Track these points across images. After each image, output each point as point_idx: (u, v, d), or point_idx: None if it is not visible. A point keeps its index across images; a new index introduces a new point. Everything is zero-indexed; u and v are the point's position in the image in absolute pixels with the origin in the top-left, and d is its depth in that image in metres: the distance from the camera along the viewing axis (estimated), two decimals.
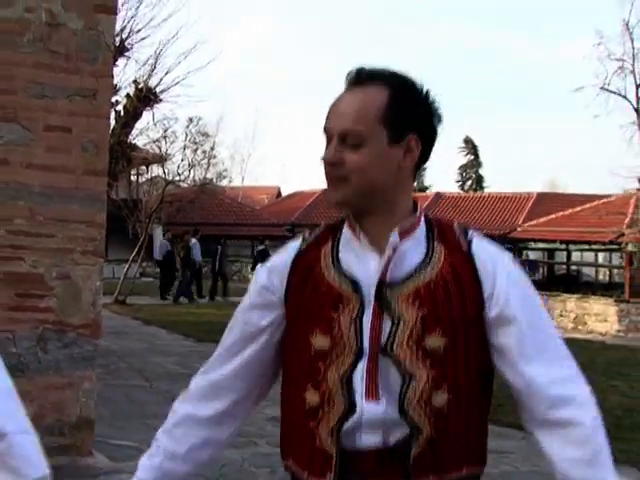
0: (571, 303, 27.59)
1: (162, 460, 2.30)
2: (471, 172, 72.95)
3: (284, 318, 2.23)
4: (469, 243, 2.16)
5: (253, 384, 2.31)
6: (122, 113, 26.06)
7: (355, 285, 2.12)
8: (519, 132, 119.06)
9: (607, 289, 36.36)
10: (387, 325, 2.08)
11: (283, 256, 2.27)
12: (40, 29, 6.98)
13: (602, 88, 30.47)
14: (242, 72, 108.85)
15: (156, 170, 34.62)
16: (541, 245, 42.40)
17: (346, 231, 2.20)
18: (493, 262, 2.14)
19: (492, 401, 2.23)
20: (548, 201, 43.01)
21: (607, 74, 30.47)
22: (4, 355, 6.92)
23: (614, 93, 30.48)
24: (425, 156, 2.17)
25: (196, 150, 32.15)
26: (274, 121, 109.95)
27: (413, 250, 2.13)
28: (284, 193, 59.90)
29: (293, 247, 2.28)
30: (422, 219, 2.19)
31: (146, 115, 27.30)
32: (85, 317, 7.07)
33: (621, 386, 13.26)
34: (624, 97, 30.41)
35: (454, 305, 2.09)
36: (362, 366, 2.07)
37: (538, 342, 2.12)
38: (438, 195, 47.12)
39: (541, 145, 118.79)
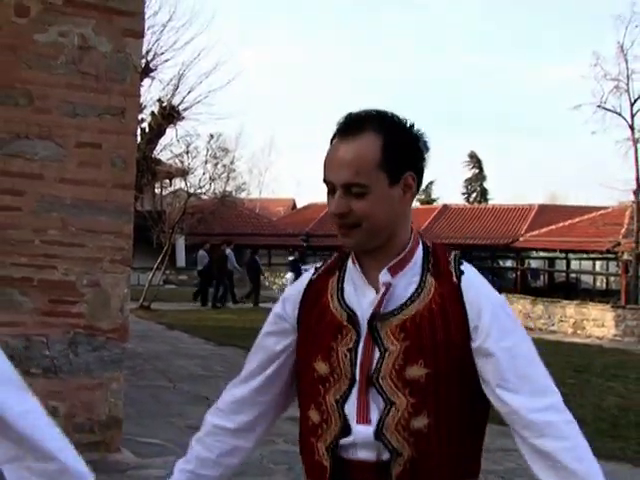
0: (570, 309, 27.52)
1: (195, 465, 2.37)
2: (476, 185, 72.75)
3: (297, 343, 2.29)
4: (460, 276, 2.16)
5: (273, 400, 2.38)
6: (147, 130, 26.14)
7: (353, 317, 2.16)
8: (521, 147, 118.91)
9: (604, 295, 36.33)
10: (376, 356, 2.12)
11: (297, 286, 2.33)
12: (72, 52, 7.04)
13: (599, 106, 30.41)
14: (259, 89, 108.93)
15: (179, 183, 34.57)
16: (542, 254, 42.41)
17: (350, 264, 2.23)
18: (480, 296, 2.14)
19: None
20: (549, 212, 42.91)
21: (603, 93, 30.42)
22: (39, 357, 6.99)
23: (610, 111, 30.41)
24: (419, 185, 2.20)
25: (216, 164, 32.11)
26: (289, 136, 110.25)
27: (405, 283, 2.16)
28: (299, 205, 59.94)
29: (306, 277, 2.33)
30: (419, 249, 2.21)
31: (169, 132, 27.37)
32: (113, 322, 7.11)
33: (617, 387, 13.22)
34: (619, 114, 30.34)
35: (438, 336, 2.10)
36: (355, 393, 2.13)
37: (520, 374, 2.09)
38: (445, 207, 47.10)
39: (542, 159, 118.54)
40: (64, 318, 6.91)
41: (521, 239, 38.80)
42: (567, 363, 15.36)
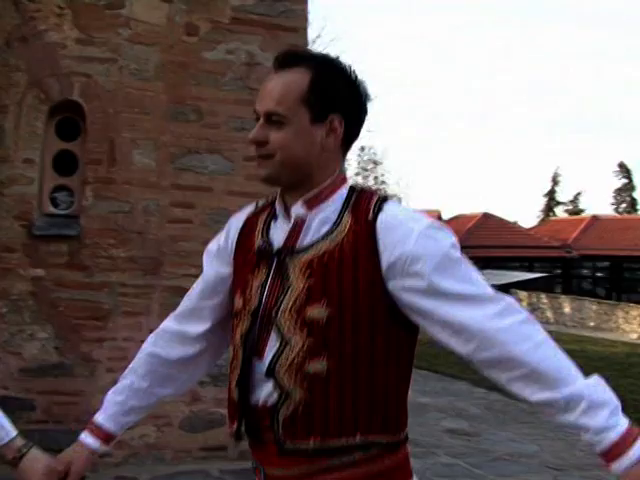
0: None
1: (127, 396, 2.33)
2: (625, 195, 70.87)
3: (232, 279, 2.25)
4: (377, 212, 2.01)
5: (216, 336, 2.34)
6: None
7: (268, 251, 2.10)
8: None
9: None
10: (280, 292, 2.03)
11: (237, 220, 2.28)
12: (240, 69, 7.13)
13: None
14: (404, 103, 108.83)
15: None
16: None
17: (277, 202, 2.17)
18: (397, 232, 1.98)
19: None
20: None
21: None
22: None
23: None
24: (352, 135, 2.12)
25: (367, 177, 32.34)
26: (433, 148, 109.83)
27: (322, 220, 2.06)
28: (445, 216, 59.49)
29: (246, 212, 2.28)
30: (343, 189, 2.10)
31: None
32: None
33: None
34: None
35: (346, 276, 1.96)
36: (256, 327, 2.05)
37: (460, 299, 1.94)
38: (594, 218, 45.76)
39: None
40: None
41: None
42: None
